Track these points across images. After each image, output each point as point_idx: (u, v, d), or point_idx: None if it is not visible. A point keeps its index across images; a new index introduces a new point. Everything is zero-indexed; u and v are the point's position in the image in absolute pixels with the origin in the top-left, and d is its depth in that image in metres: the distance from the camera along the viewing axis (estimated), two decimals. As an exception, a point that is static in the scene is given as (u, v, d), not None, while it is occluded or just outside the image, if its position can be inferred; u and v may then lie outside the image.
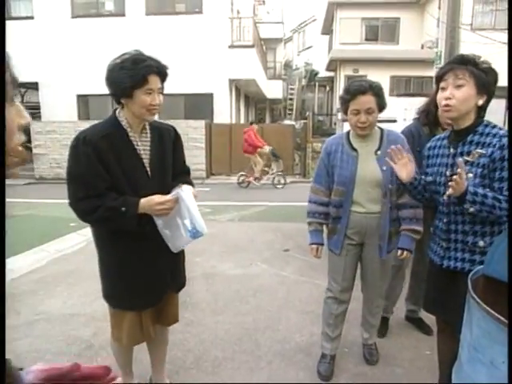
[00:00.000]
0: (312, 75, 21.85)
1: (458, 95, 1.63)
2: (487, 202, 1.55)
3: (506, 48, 4.83)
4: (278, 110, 23.82)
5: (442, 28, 6.02)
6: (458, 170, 1.53)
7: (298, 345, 2.65)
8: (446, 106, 1.68)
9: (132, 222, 1.65)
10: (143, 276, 1.79)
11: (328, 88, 21.79)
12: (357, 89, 2.01)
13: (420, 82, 16.15)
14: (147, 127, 1.78)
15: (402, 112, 4.24)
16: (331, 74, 20.03)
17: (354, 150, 2.14)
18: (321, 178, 2.24)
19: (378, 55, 16.46)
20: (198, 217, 1.67)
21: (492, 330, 1.10)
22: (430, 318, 2.57)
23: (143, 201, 1.65)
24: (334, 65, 18.30)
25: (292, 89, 21.51)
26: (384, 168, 2.06)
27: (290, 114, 20.97)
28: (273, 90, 19.08)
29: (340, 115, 14.48)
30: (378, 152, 2.10)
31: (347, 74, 17.35)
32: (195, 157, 11.04)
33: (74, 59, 11.80)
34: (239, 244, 4.79)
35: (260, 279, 3.73)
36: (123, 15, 11.85)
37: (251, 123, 10.41)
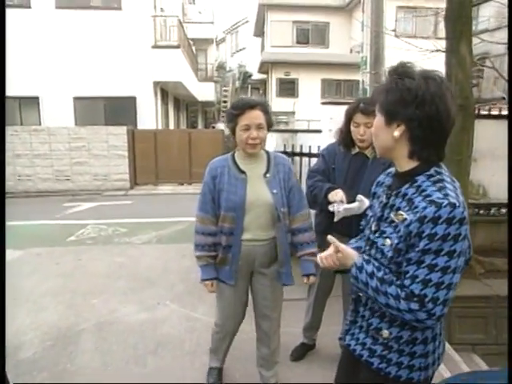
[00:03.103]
0: (246, 77, 21.57)
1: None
2: (369, 292, 1.16)
3: (428, 54, 4.67)
4: (212, 113, 23.17)
5: (367, 32, 5.83)
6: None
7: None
8: None
9: None
10: None
11: (261, 91, 21.59)
12: (246, 103, 1.91)
13: (350, 85, 16.42)
14: None
15: (327, 122, 3.85)
16: (264, 76, 19.83)
17: (242, 172, 2.00)
18: (206, 206, 2.03)
19: (308, 58, 16.50)
20: None
21: None
22: (328, 344, 2.66)
23: None
24: (265, 67, 18.09)
25: (226, 91, 20.98)
26: (275, 191, 1.96)
27: (224, 116, 20.41)
28: (205, 92, 18.42)
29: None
30: (268, 175, 2.00)
31: (279, 77, 17.22)
32: (117, 166, 10.13)
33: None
34: (150, 276, 4.11)
35: (166, 326, 3.11)
36: (28, 7, 10.52)
37: None
